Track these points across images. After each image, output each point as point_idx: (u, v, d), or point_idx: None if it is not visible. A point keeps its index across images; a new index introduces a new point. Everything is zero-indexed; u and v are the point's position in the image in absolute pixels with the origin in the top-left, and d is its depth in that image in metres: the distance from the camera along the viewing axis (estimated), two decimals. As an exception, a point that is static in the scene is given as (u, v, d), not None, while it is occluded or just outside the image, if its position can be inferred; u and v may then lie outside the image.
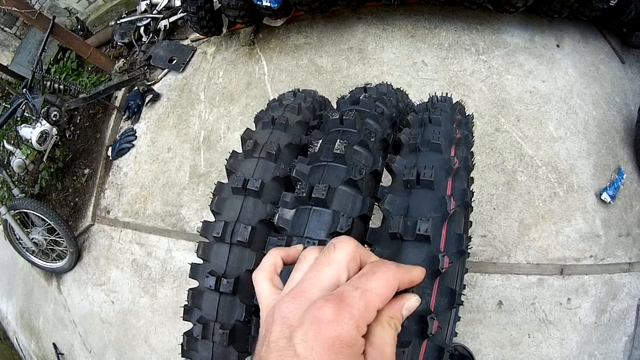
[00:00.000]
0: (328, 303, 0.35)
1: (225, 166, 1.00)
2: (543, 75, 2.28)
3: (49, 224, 2.52)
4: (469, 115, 1.07)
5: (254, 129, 1.07)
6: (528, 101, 2.21)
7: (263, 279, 0.47)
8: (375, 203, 0.85)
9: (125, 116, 2.76)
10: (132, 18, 3.02)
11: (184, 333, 0.97)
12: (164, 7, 2.93)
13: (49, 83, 2.67)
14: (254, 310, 0.90)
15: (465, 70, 2.30)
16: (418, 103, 1.11)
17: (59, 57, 3.54)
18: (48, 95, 2.62)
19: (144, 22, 2.96)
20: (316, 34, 2.50)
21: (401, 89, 1.19)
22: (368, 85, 1.12)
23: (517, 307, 1.91)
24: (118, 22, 3.09)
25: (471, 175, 1.31)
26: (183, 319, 0.98)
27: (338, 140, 0.84)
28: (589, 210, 2.04)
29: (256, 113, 1.11)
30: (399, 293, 0.42)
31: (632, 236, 2.07)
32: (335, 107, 1.06)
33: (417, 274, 0.45)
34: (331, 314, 0.34)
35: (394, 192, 0.79)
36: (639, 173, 2.17)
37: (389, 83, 1.19)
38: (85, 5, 3.67)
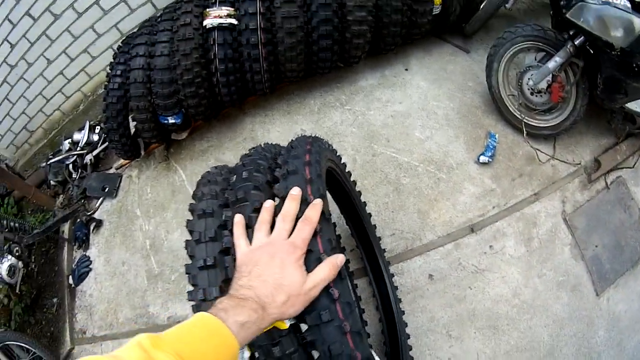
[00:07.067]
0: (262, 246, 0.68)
1: None
2: (399, 99, 2.56)
3: (34, 353, 2.55)
4: None
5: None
6: (392, 124, 2.46)
7: (240, 236, 0.73)
8: None
9: (76, 246, 3.00)
10: (60, 158, 3.34)
11: None
12: (85, 142, 3.38)
13: (5, 222, 2.93)
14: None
15: (336, 122, 2.57)
16: None
17: (-2, 204, 3.72)
18: (7, 233, 2.74)
19: (71, 160, 3.24)
20: (215, 136, 2.76)
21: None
22: None
23: (446, 272, 2.00)
24: (48, 163, 3.38)
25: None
26: None
27: None
28: (475, 176, 2.21)
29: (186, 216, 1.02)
30: None
31: (525, 174, 2.22)
32: None
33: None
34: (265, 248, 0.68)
35: None
36: (510, 126, 2.35)
37: None
38: (13, 151, 3.78)
